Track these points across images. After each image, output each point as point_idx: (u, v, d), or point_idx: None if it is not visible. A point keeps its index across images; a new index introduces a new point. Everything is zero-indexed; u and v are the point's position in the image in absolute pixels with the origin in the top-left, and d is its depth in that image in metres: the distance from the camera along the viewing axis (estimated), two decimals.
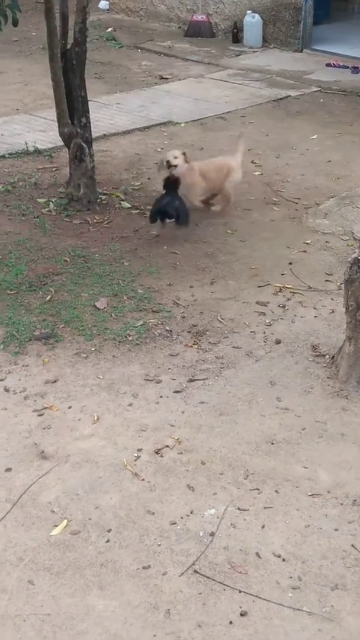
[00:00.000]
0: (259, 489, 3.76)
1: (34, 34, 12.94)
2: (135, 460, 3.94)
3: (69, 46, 6.62)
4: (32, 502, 3.68)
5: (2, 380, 4.55)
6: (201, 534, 3.51)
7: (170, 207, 6.18)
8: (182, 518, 3.59)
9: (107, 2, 14.97)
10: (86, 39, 6.52)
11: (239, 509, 3.65)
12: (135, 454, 3.98)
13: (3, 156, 7.99)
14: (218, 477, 3.83)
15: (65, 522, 3.56)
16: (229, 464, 3.92)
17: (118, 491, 3.74)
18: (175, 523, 3.57)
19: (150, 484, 3.79)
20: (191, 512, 3.62)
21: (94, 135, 7.82)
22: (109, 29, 13.74)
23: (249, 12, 12.69)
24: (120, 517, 3.59)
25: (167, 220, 6.25)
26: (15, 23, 5.32)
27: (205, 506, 3.66)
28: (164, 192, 6.32)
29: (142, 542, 3.48)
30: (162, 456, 3.97)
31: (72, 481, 3.80)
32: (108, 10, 14.95)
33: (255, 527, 3.56)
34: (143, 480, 3.81)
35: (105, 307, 5.27)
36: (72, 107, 6.68)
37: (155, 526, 3.55)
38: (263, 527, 3.56)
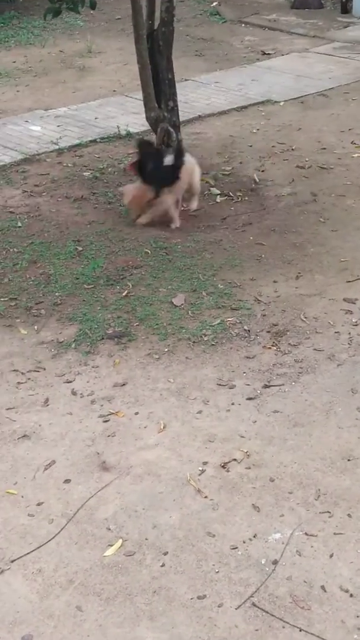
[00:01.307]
0: (329, 512, 3.47)
1: None
2: (200, 474, 3.71)
3: (156, 26, 6.38)
4: (89, 518, 3.51)
5: (70, 382, 4.40)
6: (263, 562, 3.26)
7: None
8: (244, 542, 3.35)
9: None
10: (173, 18, 6.26)
11: (306, 534, 3.37)
12: (200, 468, 3.75)
13: (95, 140, 7.85)
14: (287, 497, 3.56)
15: (120, 541, 3.38)
16: (299, 482, 3.64)
17: (178, 509, 3.53)
18: (237, 548, 3.33)
19: (214, 502, 3.56)
20: (254, 536, 3.37)
21: (188, 116, 7.62)
22: (214, 3, 13.38)
23: None
24: (179, 539, 3.38)
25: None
26: (92, 6, 5.10)
27: (270, 529, 3.40)
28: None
29: (199, 567, 3.25)
30: (228, 471, 3.72)
31: (131, 496, 3.61)
32: None
33: (323, 556, 3.28)
34: (206, 497, 3.58)
35: (182, 304, 5.04)
36: (159, 90, 6.45)
37: (215, 550, 3.32)
38: (331, 556, 3.27)
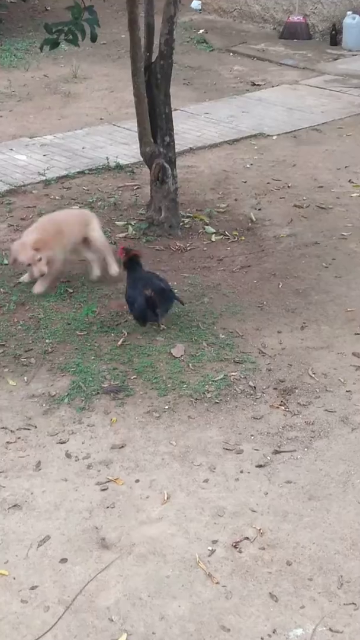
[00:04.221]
0: (355, 604, 3.16)
1: (123, 36, 12.46)
2: (210, 555, 3.39)
3: (154, 59, 6.11)
4: (89, 606, 3.17)
5: (64, 442, 4.06)
6: None
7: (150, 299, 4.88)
8: (262, 639, 3.02)
9: (200, 2, 14.41)
10: (172, 52, 5.98)
11: (331, 629, 3.06)
12: (210, 547, 3.43)
13: (83, 172, 7.55)
14: (306, 585, 3.25)
15: (125, 636, 3.04)
16: (319, 567, 3.33)
17: (188, 596, 3.20)
18: None
19: (226, 589, 3.24)
20: (274, 632, 3.06)
21: (179, 148, 7.34)
22: (201, 31, 13.19)
23: (349, 12, 11.95)
24: (189, 633, 3.05)
25: (160, 313, 4.94)
26: (93, 38, 4.81)
27: (290, 623, 3.09)
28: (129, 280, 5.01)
29: None
30: (240, 551, 3.41)
31: (135, 580, 3.28)
32: (200, 10, 14.39)
33: None
34: (218, 583, 3.26)
35: (182, 355, 4.73)
36: (155, 124, 6.17)
37: None
38: None
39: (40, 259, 5.18)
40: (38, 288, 5.35)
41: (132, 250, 5.08)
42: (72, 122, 9.08)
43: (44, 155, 7.94)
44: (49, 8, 14.26)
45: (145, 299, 4.83)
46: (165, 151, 6.21)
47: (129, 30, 5.87)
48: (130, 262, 5.02)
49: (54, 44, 4.91)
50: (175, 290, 5.36)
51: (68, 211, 6.14)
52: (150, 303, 4.84)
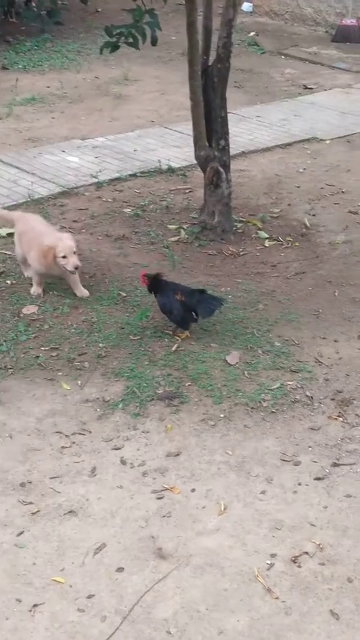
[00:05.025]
0: None
1: (173, 38, 12.45)
2: (268, 569, 3.33)
3: (210, 62, 6.06)
4: (146, 617, 3.13)
5: (119, 449, 4.03)
6: None
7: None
8: None
9: (251, 4, 14.33)
10: (230, 55, 5.92)
11: None
12: (268, 561, 3.37)
13: (135, 175, 7.52)
14: None
15: None
16: None
17: (247, 611, 3.14)
18: None
19: (286, 604, 3.17)
20: None
21: (232, 152, 7.27)
22: (252, 33, 13.11)
23: None
24: None
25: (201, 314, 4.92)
26: (154, 42, 4.78)
27: None
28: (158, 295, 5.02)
29: None
30: (299, 566, 3.34)
31: (192, 592, 3.24)
32: (251, 12, 14.31)
33: None
34: (277, 598, 3.20)
35: (237, 363, 4.68)
36: (211, 128, 6.13)
37: None
38: None
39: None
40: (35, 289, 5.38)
41: (153, 275, 5.03)
42: (124, 124, 9.06)
43: (96, 157, 7.93)
44: (99, 9, 14.28)
45: (180, 303, 4.83)
46: (220, 155, 6.16)
47: (187, 33, 5.82)
48: (154, 284, 5.00)
49: (114, 47, 4.89)
50: (229, 297, 5.32)
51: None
52: (185, 306, 4.84)
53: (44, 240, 5.16)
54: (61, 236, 5.24)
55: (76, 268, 5.16)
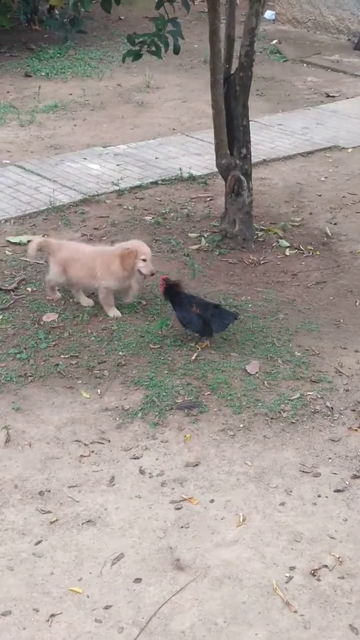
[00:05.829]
0: None
1: (195, 45, 12.47)
2: (287, 582, 3.31)
3: (232, 70, 6.06)
4: (163, 629, 3.11)
5: (137, 458, 4.02)
6: None
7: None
8: None
9: (273, 12, 14.31)
10: (252, 64, 5.91)
11: None
12: (287, 574, 3.34)
13: (156, 182, 7.52)
14: None
15: None
16: None
17: (265, 624, 3.12)
18: None
19: (305, 618, 3.15)
20: None
21: (253, 160, 7.26)
22: (274, 41, 13.08)
23: None
24: None
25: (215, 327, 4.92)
26: (177, 50, 4.78)
27: None
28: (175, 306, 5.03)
29: None
30: (319, 580, 3.31)
31: (210, 604, 3.21)
32: (274, 20, 14.29)
33: None
34: (296, 612, 3.17)
35: (257, 372, 4.66)
36: (232, 136, 6.11)
37: None
38: None
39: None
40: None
41: (172, 282, 5.05)
42: (145, 132, 9.07)
43: (117, 165, 7.94)
44: (122, 17, 14.33)
45: (197, 316, 4.84)
46: (242, 163, 6.15)
47: (210, 41, 5.82)
48: (170, 292, 5.01)
49: (137, 56, 4.89)
50: (249, 305, 5.30)
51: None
52: (202, 318, 4.85)
53: (122, 245, 5.25)
54: (136, 242, 5.32)
55: (152, 274, 5.20)
